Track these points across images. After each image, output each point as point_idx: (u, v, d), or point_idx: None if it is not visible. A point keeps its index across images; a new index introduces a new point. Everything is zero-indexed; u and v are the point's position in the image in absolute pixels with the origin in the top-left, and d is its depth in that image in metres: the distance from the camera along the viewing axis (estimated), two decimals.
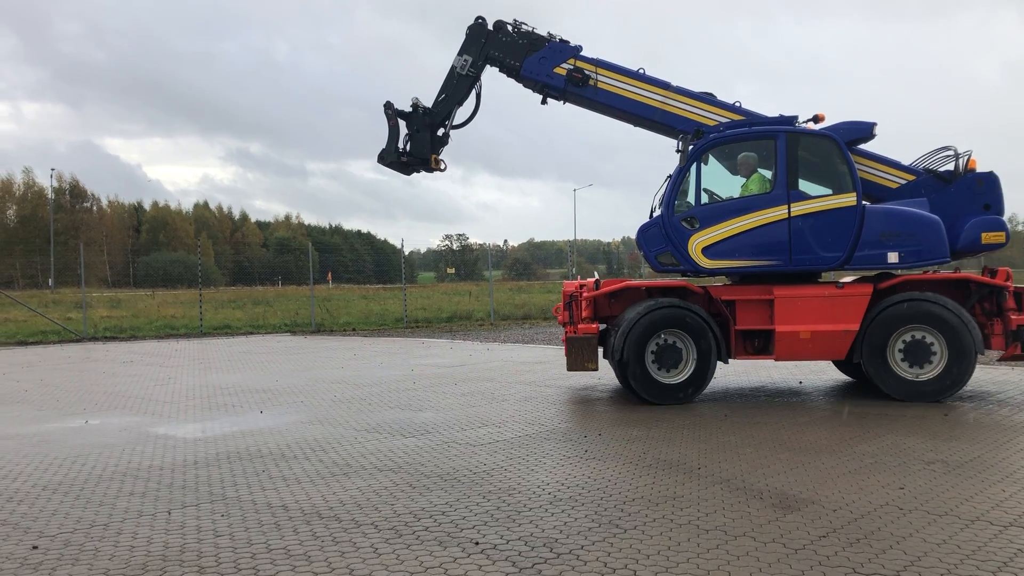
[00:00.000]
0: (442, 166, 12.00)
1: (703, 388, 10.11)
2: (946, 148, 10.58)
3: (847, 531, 5.15)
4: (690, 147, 10.44)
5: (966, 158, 10.39)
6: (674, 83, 11.29)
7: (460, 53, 11.63)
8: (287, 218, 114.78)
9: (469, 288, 50.63)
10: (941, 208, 10.33)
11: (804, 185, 10.26)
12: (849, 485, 6.24)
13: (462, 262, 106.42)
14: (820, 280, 10.78)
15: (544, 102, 11.73)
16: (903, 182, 10.72)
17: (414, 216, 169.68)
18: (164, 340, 23.22)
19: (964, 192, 10.33)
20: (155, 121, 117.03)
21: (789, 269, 10.20)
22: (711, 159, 10.63)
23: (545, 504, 5.84)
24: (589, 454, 7.46)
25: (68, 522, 5.66)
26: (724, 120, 10.99)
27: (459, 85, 11.65)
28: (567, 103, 11.76)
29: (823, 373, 12.71)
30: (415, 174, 12.34)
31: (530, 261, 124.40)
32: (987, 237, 10.10)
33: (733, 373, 13.08)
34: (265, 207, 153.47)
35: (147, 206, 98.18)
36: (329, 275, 60.45)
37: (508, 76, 11.75)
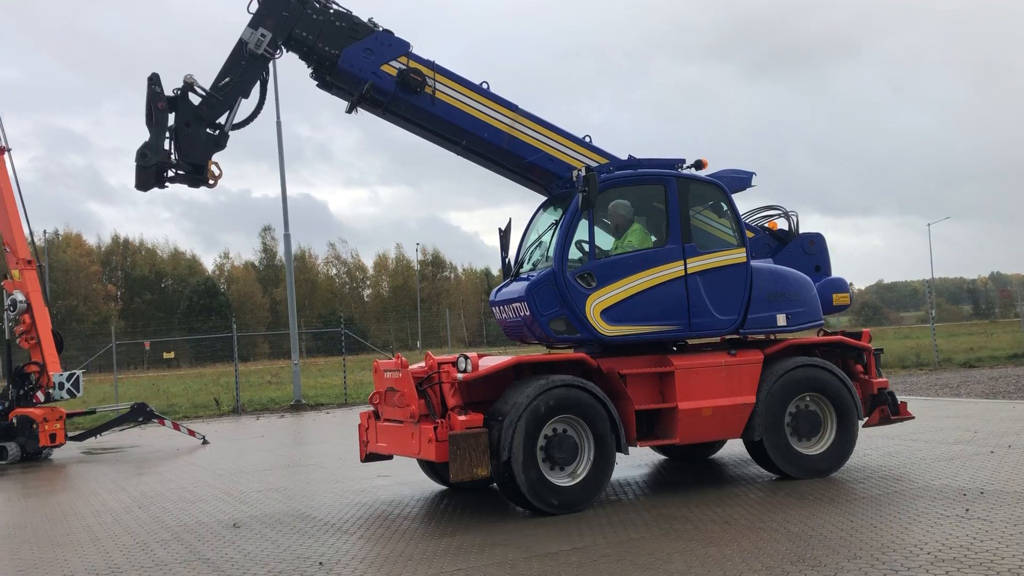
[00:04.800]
0: (215, 177, 8.97)
1: (603, 489, 8.06)
2: (773, 207, 10.12)
3: None
4: (584, 188, 8.19)
5: (795, 218, 9.97)
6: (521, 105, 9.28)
7: (254, 26, 8.79)
8: None
9: None
10: None
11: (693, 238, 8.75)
12: None
13: None
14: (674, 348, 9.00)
15: (352, 110, 9.25)
16: None
17: None
18: None
19: (798, 252, 9.88)
20: (483, 193, 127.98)
21: (688, 335, 8.73)
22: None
23: (926, 565, 5.53)
24: (971, 513, 6.90)
25: None
26: (577, 154, 9.33)
27: (249, 68, 8.87)
28: (386, 114, 9.27)
29: None
30: (171, 186, 9.03)
31: (880, 304, 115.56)
32: (837, 298, 9.72)
33: None
34: None
35: (493, 271, 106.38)
36: None
37: (314, 67, 9.22)
